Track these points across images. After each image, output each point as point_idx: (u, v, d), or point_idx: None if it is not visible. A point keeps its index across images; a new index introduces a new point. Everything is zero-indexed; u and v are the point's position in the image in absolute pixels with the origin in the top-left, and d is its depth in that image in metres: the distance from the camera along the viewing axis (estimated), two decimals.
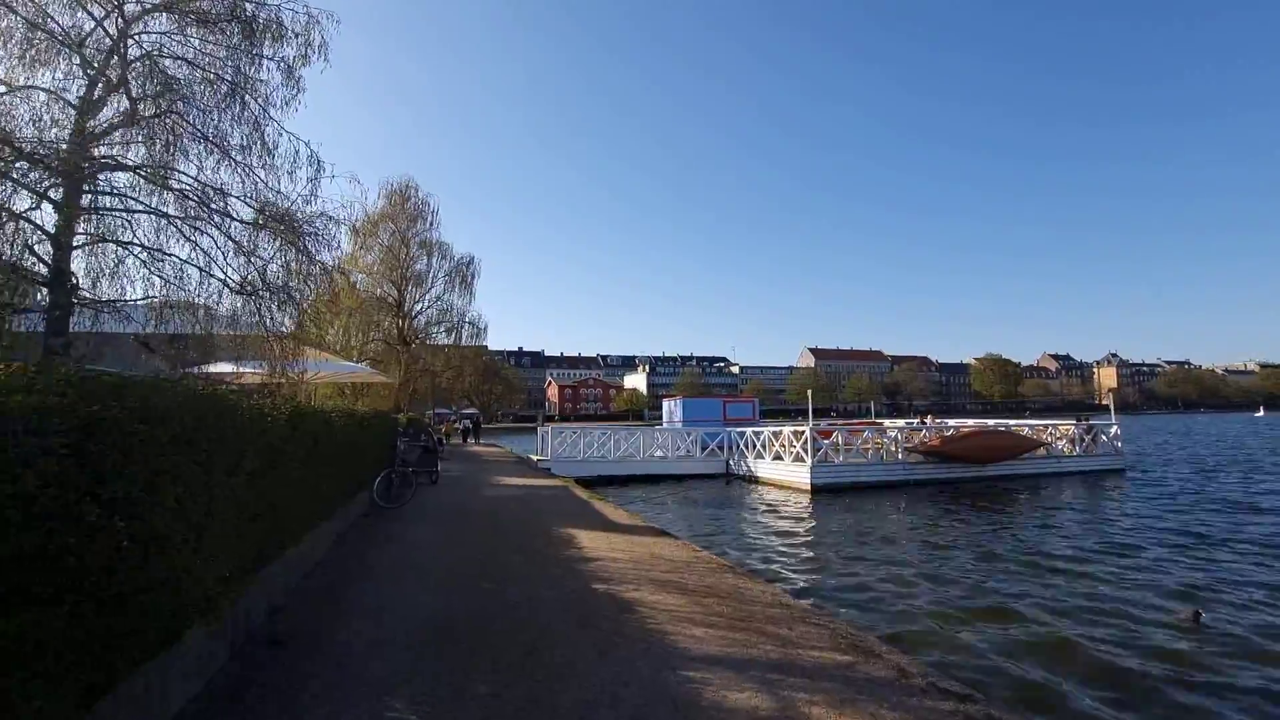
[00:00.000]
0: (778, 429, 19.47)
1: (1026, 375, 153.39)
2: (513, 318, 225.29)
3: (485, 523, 9.06)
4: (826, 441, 17.55)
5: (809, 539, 10.98)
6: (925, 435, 18.62)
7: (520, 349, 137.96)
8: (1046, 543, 10.16)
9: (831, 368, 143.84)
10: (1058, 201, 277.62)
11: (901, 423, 25.51)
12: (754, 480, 19.54)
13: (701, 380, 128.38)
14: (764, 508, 14.80)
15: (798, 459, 17.48)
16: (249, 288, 6.82)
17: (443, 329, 30.06)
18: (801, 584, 7.83)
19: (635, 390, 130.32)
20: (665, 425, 27.82)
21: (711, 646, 4.15)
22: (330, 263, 7.93)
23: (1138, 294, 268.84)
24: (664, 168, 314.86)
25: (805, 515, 13.69)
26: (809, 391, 17.91)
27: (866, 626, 5.74)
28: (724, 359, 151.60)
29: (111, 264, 6.89)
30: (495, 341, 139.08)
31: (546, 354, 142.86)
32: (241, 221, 7.05)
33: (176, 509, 2.86)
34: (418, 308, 29.66)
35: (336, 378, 21.09)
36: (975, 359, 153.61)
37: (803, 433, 17.34)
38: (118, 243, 6.82)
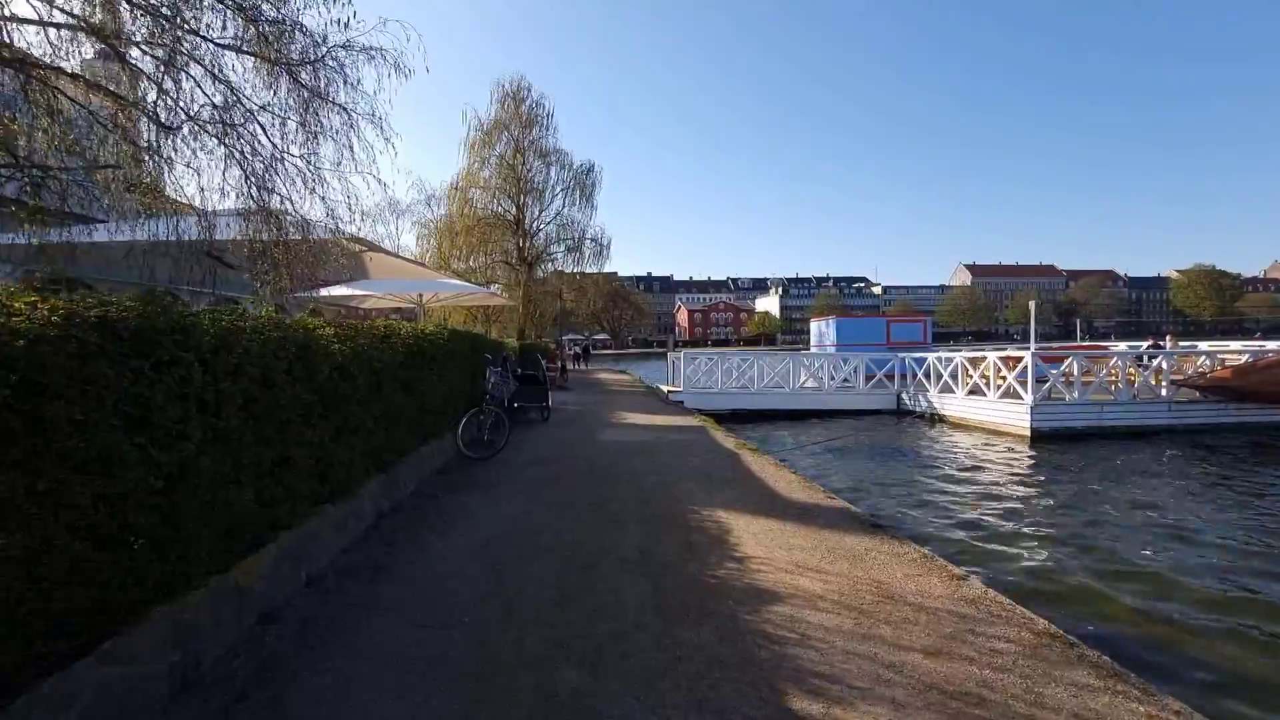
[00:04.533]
0: (976, 353, 15.04)
1: (1248, 289, 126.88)
2: (642, 243, 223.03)
3: (593, 497, 6.19)
4: (1055, 370, 12.97)
5: (1072, 525, 7.22)
6: (1204, 363, 13.39)
7: (649, 274, 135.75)
8: None
9: (992, 285, 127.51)
10: None
11: (1123, 346, 19.87)
12: (938, 419, 15.45)
13: (840, 302, 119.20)
14: (965, 461, 10.94)
15: (1009, 394, 13.15)
16: (175, 120, 4.09)
17: (563, 246, 27.97)
18: (1129, 644, 4.29)
19: (767, 313, 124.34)
20: (814, 349, 23.87)
21: None
22: (356, 107, 5.09)
23: None
24: (795, 75, 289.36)
25: (1035, 476, 9.75)
26: (1030, 305, 13.23)
27: None
28: (864, 279, 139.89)
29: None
30: (624, 268, 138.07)
31: (675, 278, 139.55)
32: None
33: None
34: (537, 224, 27.58)
35: (458, 299, 19.38)
36: (1177, 271, 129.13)
37: (1020, 359, 12.89)
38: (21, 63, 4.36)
